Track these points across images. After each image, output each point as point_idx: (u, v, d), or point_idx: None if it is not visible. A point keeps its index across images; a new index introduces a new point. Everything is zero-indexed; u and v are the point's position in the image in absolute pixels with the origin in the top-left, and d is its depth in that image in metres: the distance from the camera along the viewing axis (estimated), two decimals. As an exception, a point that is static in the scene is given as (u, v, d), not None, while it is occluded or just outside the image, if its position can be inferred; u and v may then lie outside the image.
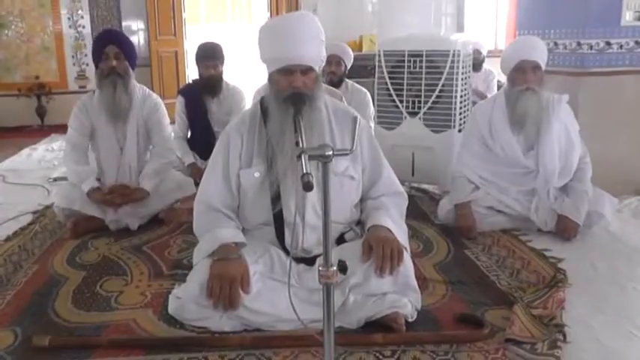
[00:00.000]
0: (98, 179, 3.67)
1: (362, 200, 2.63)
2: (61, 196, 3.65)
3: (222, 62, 4.75)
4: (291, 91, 2.27)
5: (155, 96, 3.88)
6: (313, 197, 2.37)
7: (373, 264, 2.29)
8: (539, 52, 3.42)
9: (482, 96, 5.99)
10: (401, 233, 2.47)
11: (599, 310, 2.51)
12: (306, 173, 1.58)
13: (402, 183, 2.77)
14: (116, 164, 3.70)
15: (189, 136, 4.93)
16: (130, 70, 3.64)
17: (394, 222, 2.47)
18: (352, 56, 4.99)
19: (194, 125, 4.85)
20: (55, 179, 5.03)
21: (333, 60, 4.75)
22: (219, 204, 2.52)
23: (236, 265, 2.30)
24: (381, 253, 2.29)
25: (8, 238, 3.54)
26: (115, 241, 3.44)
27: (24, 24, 8.23)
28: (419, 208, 4.00)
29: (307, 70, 2.31)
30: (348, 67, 4.92)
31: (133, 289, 2.78)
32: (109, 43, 3.58)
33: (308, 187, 1.57)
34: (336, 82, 4.73)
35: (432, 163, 4.19)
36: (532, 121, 3.39)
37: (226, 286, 2.24)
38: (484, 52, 6.48)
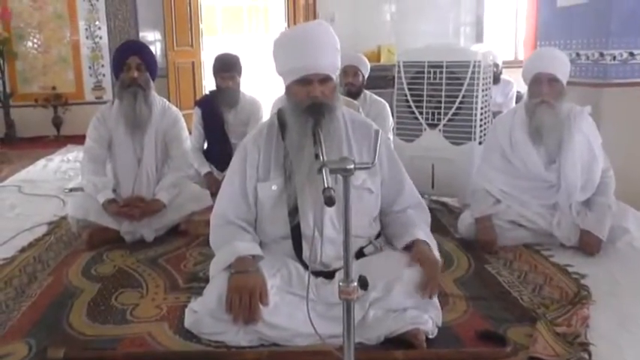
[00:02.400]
0: (114, 190, 3.68)
1: (385, 214, 2.61)
2: (76, 206, 3.66)
3: (239, 74, 4.75)
4: (310, 102, 2.26)
5: (175, 109, 3.90)
6: (331, 210, 2.35)
7: (405, 279, 2.29)
8: (556, 64, 3.38)
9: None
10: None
11: (624, 328, 2.46)
12: (328, 187, 1.57)
13: (422, 196, 2.76)
14: (133, 176, 3.71)
15: (205, 147, 4.94)
16: (151, 82, 3.67)
17: (431, 240, 2.48)
18: (369, 66, 4.98)
19: (211, 137, 4.86)
20: (71, 190, 5.06)
21: (351, 71, 4.74)
22: (236, 217, 2.51)
23: (254, 278, 2.29)
24: (432, 275, 2.31)
25: (23, 249, 3.56)
26: (131, 253, 3.44)
27: (41, 35, 8.33)
28: (439, 222, 3.96)
29: (325, 80, 2.30)
30: (366, 77, 4.92)
31: (149, 302, 2.78)
32: (131, 54, 3.61)
33: (330, 201, 1.56)
34: (354, 93, 4.72)
35: (452, 175, 4.16)
36: (550, 134, 3.36)
37: (246, 298, 2.23)
38: (501, 64, 6.44)
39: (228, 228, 2.50)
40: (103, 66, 8.46)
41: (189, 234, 3.72)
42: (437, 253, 2.46)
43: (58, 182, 5.51)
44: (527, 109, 3.45)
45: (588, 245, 3.31)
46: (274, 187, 2.44)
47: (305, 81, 2.28)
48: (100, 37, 8.44)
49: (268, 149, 2.49)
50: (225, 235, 2.48)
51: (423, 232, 2.47)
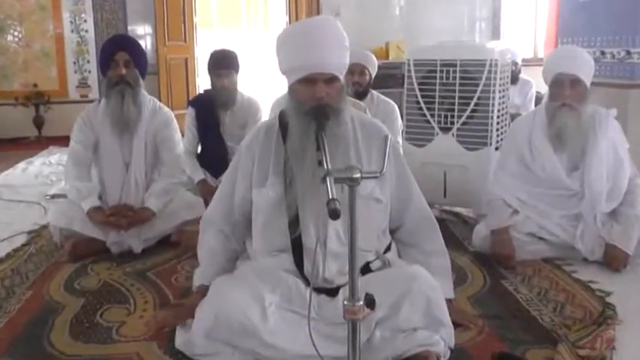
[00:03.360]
0: (100, 197, 3.67)
1: (391, 229, 2.61)
2: (58, 214, 3.66)
3: (236, 71, 4.74)
4: (314, 103, 2.25)
5: (167, 110, 3.90)
6: (336, 221, 2.33)
7: (414, 296, 2.27)
8: (579, 64, 3.38)
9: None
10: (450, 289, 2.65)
11: (653, 351, 2.45)
12: (333, 199, 1.56)
13: (432, 206, 2.77)
14: (120, 181, 3.70)
15: (199, 151, 4.93)
16: (140, 80, 3.67)
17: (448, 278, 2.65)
18: (376, 64, 4.97)
19: (205, 139, 4.85)
20: (53, 196, 5.05)
21: (357, 69, 4.72)
22: (221, 222, 2.60)
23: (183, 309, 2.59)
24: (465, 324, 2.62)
25: (0, 261, 3.55)
26: (117, 266, 3.44)
27: (22, 28, 8.33)
28: (451, 234, 3.95)
29: (331, 80, 2.29)
30: (373, 76, 4.91)
31: (137, 319, 2.77)
32: (120, 50, 3.60)
33: (335, 214, 1.55)
34: (360, 93, 4.71)
35: (466, 183, 4.15)
36: (573, 139, 3.36)
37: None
38: (520, 62, 6.45)
39: (209, 237, 2.63)
40: (88, 62, 8.47)
41: (181, 245, 3.72)
42: (450, 291, 2.62)
43: (39, 187, 5.51)
44: (548, 112, 3.45)
45: (614, 260, 3.31)
46: (271, 194, 2.43)
47: (309, 80, 2.27)
48: (86, 31, 8.44)
49: (266, 153, 2.48)
50: (205, 251, 2.64)
51: (440, 279, 2.51)
